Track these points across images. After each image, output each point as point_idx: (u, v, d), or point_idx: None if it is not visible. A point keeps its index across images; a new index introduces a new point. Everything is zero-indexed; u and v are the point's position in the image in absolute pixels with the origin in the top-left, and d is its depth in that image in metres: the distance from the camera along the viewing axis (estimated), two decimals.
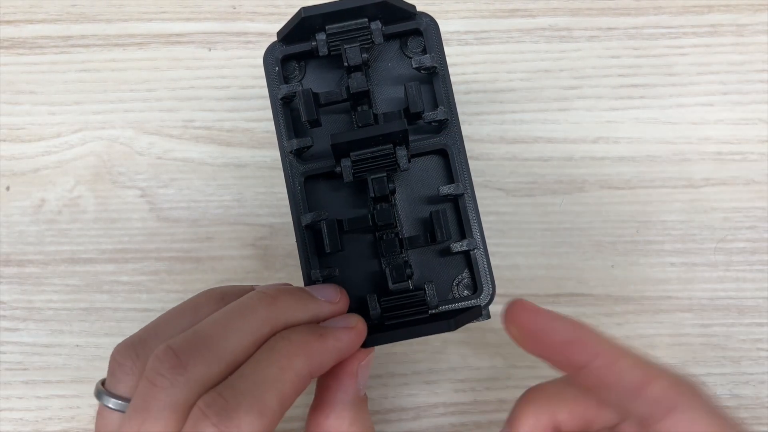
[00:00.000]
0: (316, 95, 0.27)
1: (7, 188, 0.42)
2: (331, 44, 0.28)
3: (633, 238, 0.40)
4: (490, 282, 0.28)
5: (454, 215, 0.29)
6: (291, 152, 0.28)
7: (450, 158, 0.28)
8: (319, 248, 0.28)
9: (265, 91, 0.42)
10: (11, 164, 0.42)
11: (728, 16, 0.43)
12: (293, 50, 0.29)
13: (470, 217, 0.28)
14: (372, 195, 0.27)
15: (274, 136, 0.42)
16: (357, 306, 0.28)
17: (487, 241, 0.39)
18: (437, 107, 0.28)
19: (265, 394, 0.23)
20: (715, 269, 0.40)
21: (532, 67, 0.42)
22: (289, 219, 0.41)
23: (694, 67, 0.42)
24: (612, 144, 0.41)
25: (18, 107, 0.42)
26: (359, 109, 0.28)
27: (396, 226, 0.28)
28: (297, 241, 0.28)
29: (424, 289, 0.27)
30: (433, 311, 0.28)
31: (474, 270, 0.28)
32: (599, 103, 0.42)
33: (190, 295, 0.40)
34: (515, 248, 0.40)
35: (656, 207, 0.40)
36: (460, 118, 0.29)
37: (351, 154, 0.27)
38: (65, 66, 0.43)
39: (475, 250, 0.28)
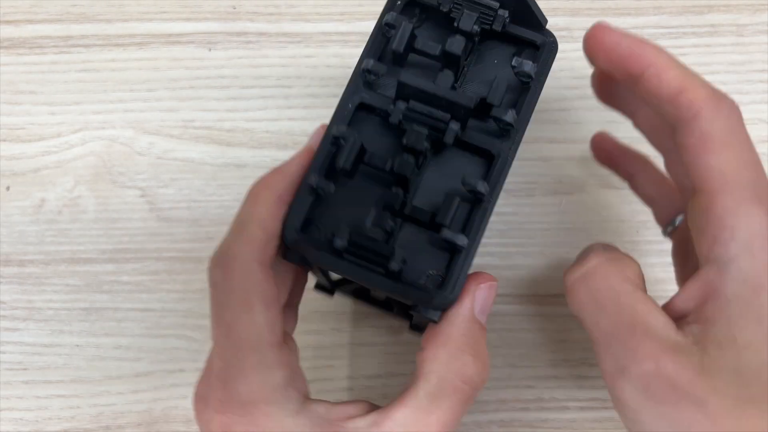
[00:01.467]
0: (412, 39, 0.27)
1: (7, 188, 0.42)
2: (454, 3, 0.27)
3: (633, 238, 0.40)
4: (456, 288, 0.26)
5: (465, 213, 0.27)
6: (365, 70, 0.27)
7: (493, 165, 0.27)
8: (331, 165, 0.27)
9: (266, 91, 0.43)
10: (11, 164, 0.42)
11: (728, 16, 0.43)
12: None
13: (477, 223, 0.27)
14: (404, 143, 0.26)
15: (275, 136, 0.42)
16: (328, 235, 0.26)
17: (488, 241, 0.39)
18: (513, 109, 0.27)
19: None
20: None
21: None
22: None
23: (694, 67, 0.42)
24: None
25: (18, 107, 0.42)
26: (444, 70, 0.27)
27: (408, 189, 0.27)
28: (319, 146, 0.27)
29: (394, 251, 0.25)
30: (390, 271, 0.26)
31: (450, 270, 0.26)
32: (599, 102, 0.42)
33: (190, 296, 0.40)
34: (515, 248, 0.40)
35: None
36: None
37: (410, 101, 0.26)
38: (65, 66, 0.43)
39: (462, 251, 0.26)
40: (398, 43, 0.27)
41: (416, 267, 0.27)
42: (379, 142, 0.28)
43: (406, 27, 0.27)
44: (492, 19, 0.27)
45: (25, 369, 0.40)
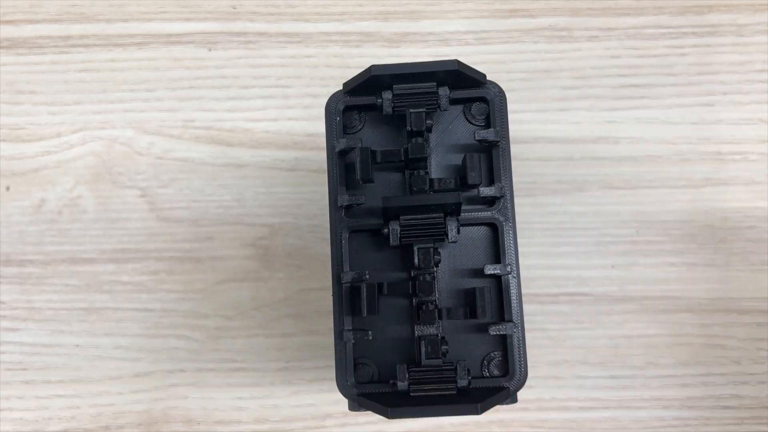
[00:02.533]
0: (373, 153, 0.27)
1: (7, 188, 0.42)
2: (396, 104, 0.28)
3: (633, 238, 0.40)
4: (523, 366, 0.27)
5: (495, 292, 0.28)
6: (342, 206, 0.28)
7: (499, 234, 0.28)
8: (354, 306, 0.28)
9: (266, 91, 0.43)
10: (11, 164, 0.42)
11: (728, 16, 0.43)
12: (356, 102, 0.29)
13: (512, 299, 0.27)
14: (416, 264, 0.27)
15: (274, 136, 0.42)
16: (386, 371, 0.28)
17: None
18: (493, 183, 0.28)
19: None
20: (715, 269, 0.40)
21: (532, 67, 0.42)
22: (289, 219, 0.41)
23: (694, 67, 0.42)
24: (612, 144, 0.41)
25: (18, 107, 0.42)
26: (415, 173, 0.28)
27: (435, 296, 0.28)
28: (333, 297, 0.28)
29: (456, 367, 0.27)
30: (461, 387, 0.27)
31: (508, 352, 0.27)
32: (599, 103, 0.42)
33: (190, 296, 0.40)
34: None
35: (656, 207, 0.40)
36: None
37: (401, 217, 0.27)
38: (65, 66, 0.43)
39: (513, 334, 0.27)
40: (363, 173, 0.27)
41: (471, 356, 0.28)
42: (386, 263, 0.28)
43: (365, 154, 0.27)
44: (437, 100, 0.28)
45: (24, 369, 0.40)
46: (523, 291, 0.40)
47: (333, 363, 0.39)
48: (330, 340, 0.40)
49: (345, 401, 0.39)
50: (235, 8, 0.43)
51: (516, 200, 0.41)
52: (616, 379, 0.39)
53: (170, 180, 0.41)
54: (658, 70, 0.42)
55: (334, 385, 0.39)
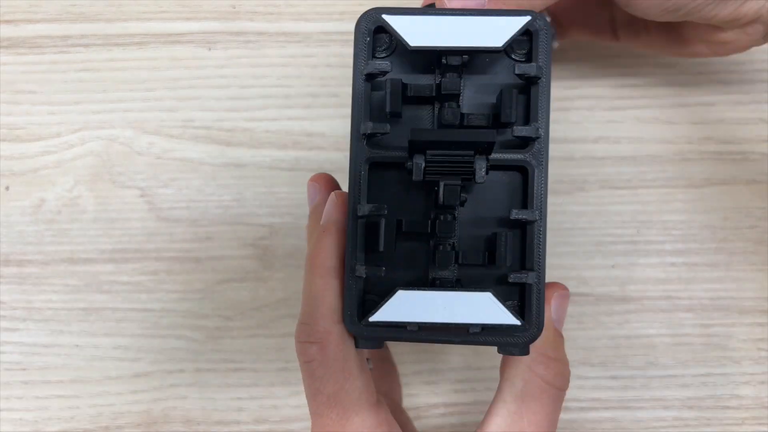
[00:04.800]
0: (404, 86, 0.25)
1: (7, 188, 0.41)
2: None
3: (633, 238, 0.40)
4: (540, 318, 0.25)
5: (518, 241, 0.26)
6: (364, 135, 0.26)
7: (529, 179, 0.26)
8: (369, 243, 0.26)
9: (266, 91, 0.43)
10: (11, 164, 0.42)
11: None
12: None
13: (536, 248, 0.25)
14: (440, 202, 0.25)
15: (274, 135, 0.42)
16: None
17: None
18: (529, 122, 0.26)
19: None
20: (715, 269, 0.40)
21: None
22: (288, 219, 0.41)
23: (694, 67, 0.42)
24: (612, 144, 0.41)
25: (18, 107, 0.42)
26: (445, 105, 0.26)
27: (454, 238, 0.26)
28: (348, 230, 0.26)
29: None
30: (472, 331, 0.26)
31: (525, 300, 0.26)
32: (599, 102, 0.42)
33: (190, 296, 0.40)
34: None
35: (656, 207, 0.40)
36: None
37: (427, 152, 0.24)
38: (65, 66, 0.43)
39: (533, 286, 0.25)
40: (392, 105, 0.25)
41: None
42: (405, 201, 0.26)
43: (395, 86, 0.25)
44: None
45: (24, 369, 0.40)
46: None
47: None
48: None
49: None
50: (235, 8, 0.43)
51: None
52: (616, 380, 0.39)
53: (170, 180, 0.41)
54: (658, 70, 0.42)
55: None
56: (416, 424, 0.39)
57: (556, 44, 0.39)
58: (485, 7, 0.26)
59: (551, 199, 0.41)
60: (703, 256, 0.40)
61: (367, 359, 0.34)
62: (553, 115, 0.41)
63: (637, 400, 0.39)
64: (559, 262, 0.40)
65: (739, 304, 0.39)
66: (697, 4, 0.30)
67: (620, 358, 0.39)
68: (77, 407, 0.39)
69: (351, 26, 0.43)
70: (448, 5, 0.27)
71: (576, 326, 0.40)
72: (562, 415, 0.39)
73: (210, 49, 0.43)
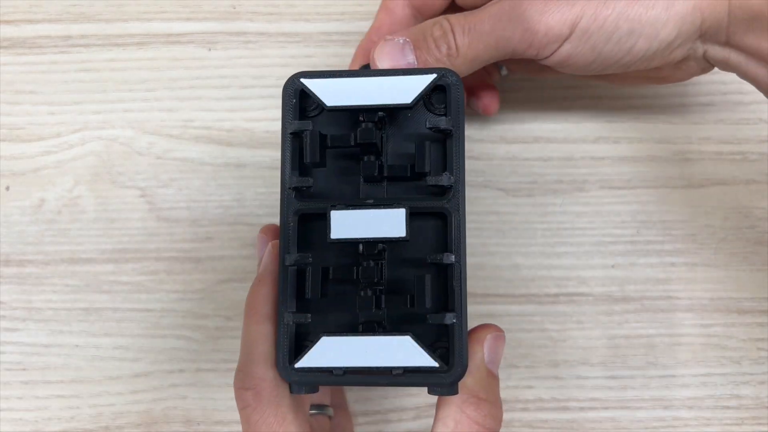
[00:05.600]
0: (323, 137, 0.27)
1: (7, 188, 0.41)
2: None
3: (632, 238, 0.40)
4: (463, 359, 0.26)
5: (439, 283, 0.27)
6: (290, 188, 0.28)
7: (448, 225, 0.27)
8: (299, 290, 0.27)
9: (266, 91, 0.43)
10: (11, 164, 0.42)
11: None
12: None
13: (456, 289, 0.27)
14: (361, 252, 0.27)
15: (274, 135, 0.42)
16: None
17: (488, 241, 0.39)
18: (444, 171, 0.27)
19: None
20: (715, 269, 0.40)
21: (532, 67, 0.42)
22: None
23: None
24: (612, 144, 0.41)
25: (18, 107, 0.42)
26: (365, 159, 0.28)
27: (379, 284, 0.27)
28: (279, 279, 0.27)
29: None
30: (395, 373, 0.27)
31: (450, 341, 0.27)
32: (599, 102, 0.42)
33: (190, 296, 0.40)
34: (515, 248, 0.40)
35: (656, 207, 0.40)
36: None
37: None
38: (65, 66, 0.43)
39: (455, 326, 0.26)
40: (312, 156, 0.27)
41: None
42: (333, 248, 0.28)
43: (314, 136, 0.27)
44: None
45: (24, 369, 0.40)
46: (523, 291, 0.40)
47: None
48: None
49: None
50: (234, 8, 0.43)
51: (516, 200, 0.41)
52: (616, 379, 0.39)
53: (170, 180, 0.41)
54: None
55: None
56: (416, 423, 0.39)
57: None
58: (414, 67, 0.29)
59: (551, 199, 0.41)
60: (703, 256, 0.40)
61: (319, 405, 0.35)
62: (553, 115, 0.42)
63: (637, 400, 0.39)
64: (559, 262, 0.40)
65: (738, 304, 0.39)
66: (625, 63, 0.31)
67: (620, 358, 0.39)
68: (77, 407, 0.39)
69: (351, 26, 0.43)
70: (379, 66, 0.30)
71: (575, 326, 0.40)
72: (563, 415, 0.39)
73: (210, 50, 0.43)
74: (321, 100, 0.27)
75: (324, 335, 0.26)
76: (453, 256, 0.27)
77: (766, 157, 0.41)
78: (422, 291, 0.26)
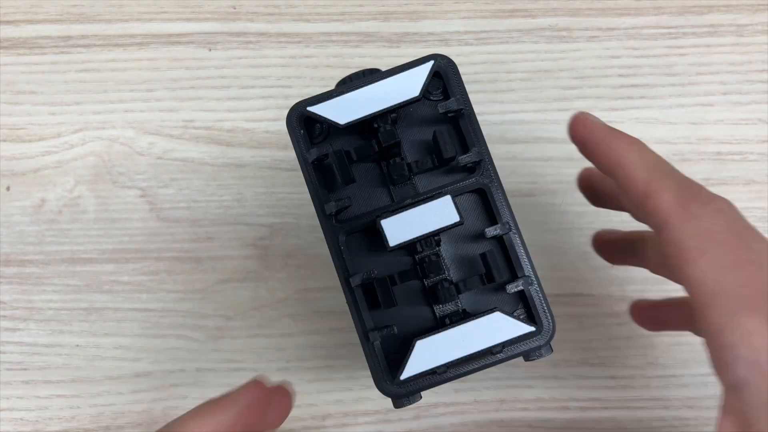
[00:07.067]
0: (348, 153, 0.27)
1: (7, 188, 0.42)
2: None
3: None
4: (549, 316, 0.27)
5: (501, 253, 0.28)
6: (330, 215, 0.27)
7: (489, 197, 0.28)
8: (370, 302, 0.27)
9: (266, 91, 0.43)
10: (11, 164, 0.42)
11: (728, 16, 0.43)
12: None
13: (519, 255, 0.27)
14: (418, 250, 0.27)
15: (274, 136, 0.42)
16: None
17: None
18: (468, 149, 0.28)
19: None
20: None
21: (532, 67, 0.42)
22: (289, 219, 0.41)
23: (694, 67, 0.42)
24: None
25: (18, 107, 0.42)
26: (391, 162, 0.28)
27: (445, 273, 0.28)
28: (348, 301, 0.27)
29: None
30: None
31: (531, 306, 0.27)
32: (599, 103, 0.42)
33: (190, 296, 0.40)
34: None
35: None
36: None
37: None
38: (65, 66, 0.43)
39: (531, 291, 0.27)
40: (343, 175, 0.27)
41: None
42: (387, 254, 0.28)
43: (340, 155, 0.27)
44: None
45: (25, 369, 0.40)
46: None
47: (332, 363, 0.39)
48: (329, 340, 0.40)
49: (343, 401, 0.39)
50: (235, 8, 0.43)
51: (516, 200, 0.41)
52: (616, 379, 0.39)
53: (170, 180, 0.41)
54: (658, 70, 0.42)
55: (333, 385, 0.39)
56: (416, 423, 0.39)
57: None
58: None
59: (551, 199, 0.41)
60: None
61: None
62: (553, 115, 0.42)
63: (637, 400, 0.39)
64: (559, 262, 0.40)
65: None
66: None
67: (620, 358, 0.39)
68: (78, 407, 0.39)
69: (351, 27, 0.43)
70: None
71: (576, 326, 0.40)
72: (563, 415, 0.39)
73: (210, 50, 0.43)
74: (333, 121, 0.27)
75: (417, 339, 0.26)
76: (507, 225, 0.27)
77: (765, 157, 0.41)
78: (496, 264, 0.27)
